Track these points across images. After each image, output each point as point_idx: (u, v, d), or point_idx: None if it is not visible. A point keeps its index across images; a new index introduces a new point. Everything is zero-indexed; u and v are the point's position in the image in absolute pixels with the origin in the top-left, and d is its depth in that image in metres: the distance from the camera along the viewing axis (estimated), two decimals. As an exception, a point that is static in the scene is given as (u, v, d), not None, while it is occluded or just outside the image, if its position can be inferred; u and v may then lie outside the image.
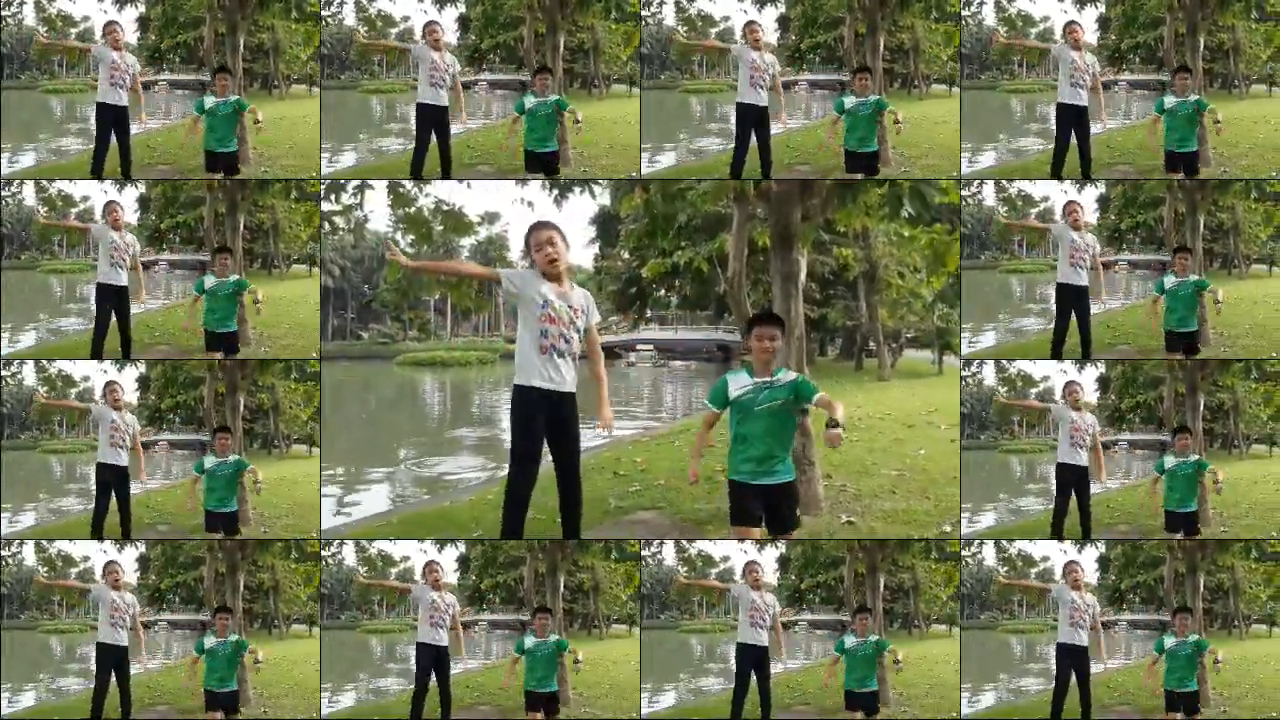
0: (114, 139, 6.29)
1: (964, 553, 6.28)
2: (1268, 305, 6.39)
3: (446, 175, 6.40)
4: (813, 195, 7.32)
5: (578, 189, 7.16)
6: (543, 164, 6.44)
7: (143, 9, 6.31)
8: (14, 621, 6.17)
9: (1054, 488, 6.24)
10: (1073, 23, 6.35)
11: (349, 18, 6.43)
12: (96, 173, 6.29)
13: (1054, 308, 6.38)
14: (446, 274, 6.59)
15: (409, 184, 7.44)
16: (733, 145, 6.39)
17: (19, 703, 6.10)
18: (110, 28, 6.29)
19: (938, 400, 16.02)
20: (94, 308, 6.33)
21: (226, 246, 6.38)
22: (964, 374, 6.43)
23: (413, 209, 9.15)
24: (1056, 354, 6.34)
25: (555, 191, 7.39)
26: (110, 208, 6.32)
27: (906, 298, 25.59)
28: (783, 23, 6.41)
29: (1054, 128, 6.31)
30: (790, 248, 7.37)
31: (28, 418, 6.31)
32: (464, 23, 6.43)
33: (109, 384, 6.28)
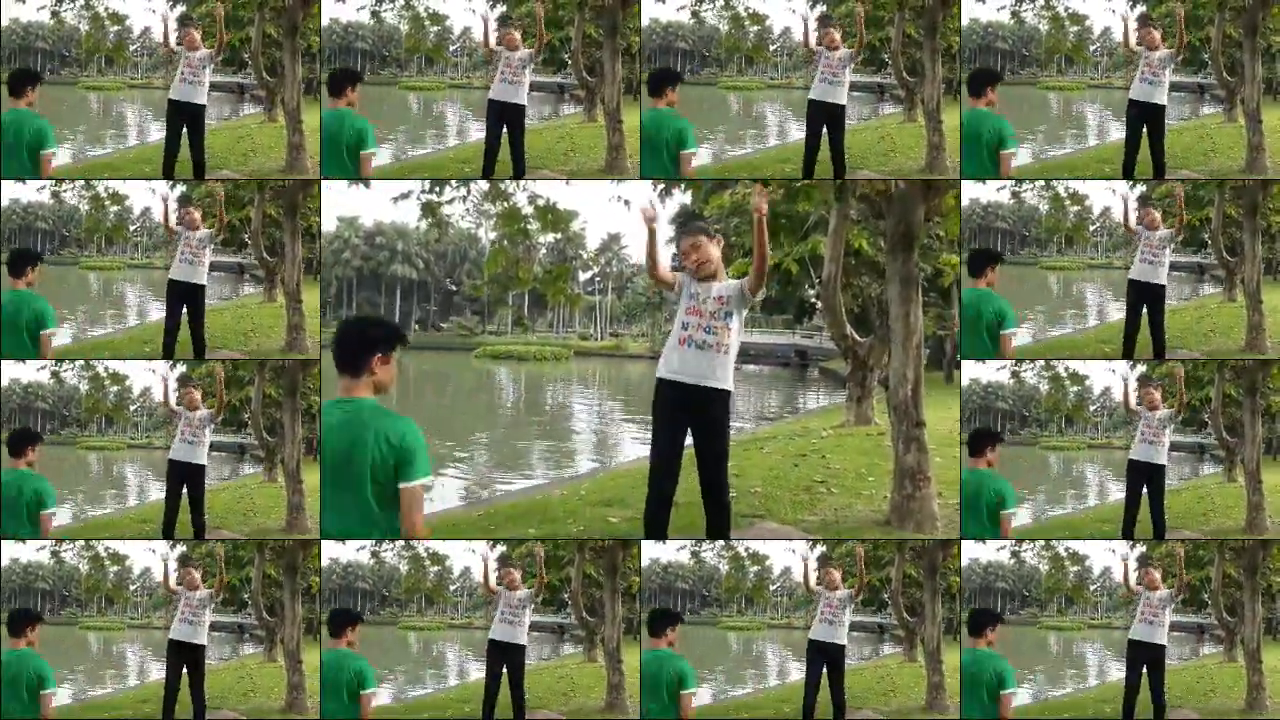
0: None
1: (1014, 548, 6.27)
2: (1319, 310, 6.31)
3: (519, 175, 6.29)
4: (935, 195, 7.12)
5: (681, 185, 7.04)
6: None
7: (184, 8, 6.25)
8: (54, 618, 6.16)
9: (1098, 484, 6.23)
10: (1148, 21, 6.18)
11: (389, 15, 6.41)
12: (168, 174, 6.17)
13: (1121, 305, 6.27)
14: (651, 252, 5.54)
15: (508, 181, 7.24)
16: (780, 144, 6.37)
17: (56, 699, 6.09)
18: (186, 24, 6.16)
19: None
20: (164, 306, 6.24)
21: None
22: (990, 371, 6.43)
23: (509, 204, 8.99)
24: (1128, 353, 6.19)
25: (660, 187, 7.23)
26: (185, 209, 6.20)
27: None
28: (824, 22, 6.34)
29: (1096, 125, 6.29)
30: (910, 250, 7.07)
31: (70, 414, 6.29)
32: (504, 22, 6.36)
33: (184, 388, 6.13)
